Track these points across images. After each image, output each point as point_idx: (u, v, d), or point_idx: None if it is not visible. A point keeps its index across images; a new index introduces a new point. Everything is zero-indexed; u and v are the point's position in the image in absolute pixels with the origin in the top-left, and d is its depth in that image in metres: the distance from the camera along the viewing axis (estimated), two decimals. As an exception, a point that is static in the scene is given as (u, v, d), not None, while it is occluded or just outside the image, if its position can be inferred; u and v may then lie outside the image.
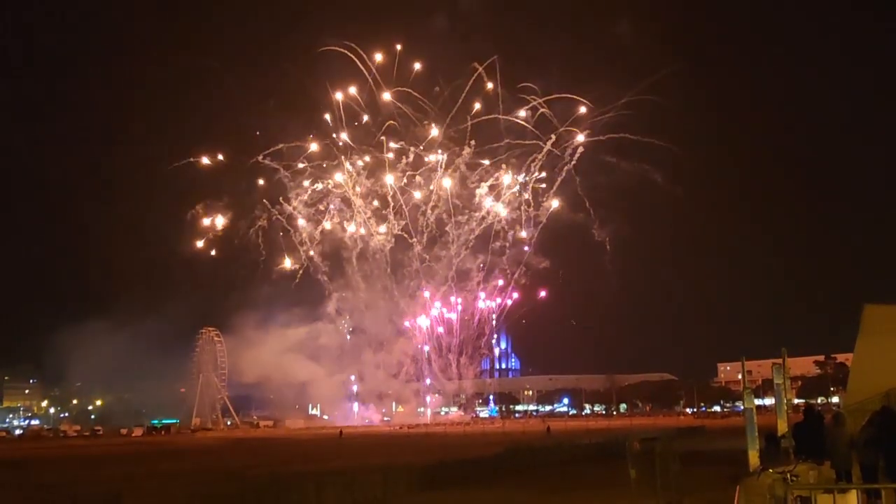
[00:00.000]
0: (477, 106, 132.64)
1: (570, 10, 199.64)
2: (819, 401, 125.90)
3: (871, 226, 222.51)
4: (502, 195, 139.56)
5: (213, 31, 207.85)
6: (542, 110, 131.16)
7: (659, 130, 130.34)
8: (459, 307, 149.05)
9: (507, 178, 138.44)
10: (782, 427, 16.22)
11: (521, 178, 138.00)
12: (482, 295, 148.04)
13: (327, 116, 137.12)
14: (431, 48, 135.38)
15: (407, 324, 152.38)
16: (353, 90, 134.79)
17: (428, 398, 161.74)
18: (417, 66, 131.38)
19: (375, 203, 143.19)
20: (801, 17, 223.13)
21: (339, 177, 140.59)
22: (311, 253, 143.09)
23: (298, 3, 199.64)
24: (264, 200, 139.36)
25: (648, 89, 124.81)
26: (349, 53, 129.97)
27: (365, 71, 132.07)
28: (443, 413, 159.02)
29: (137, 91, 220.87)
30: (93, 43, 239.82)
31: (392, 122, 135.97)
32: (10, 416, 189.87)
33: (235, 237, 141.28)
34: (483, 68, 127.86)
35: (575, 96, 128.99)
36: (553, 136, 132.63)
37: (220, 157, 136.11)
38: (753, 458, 15.01)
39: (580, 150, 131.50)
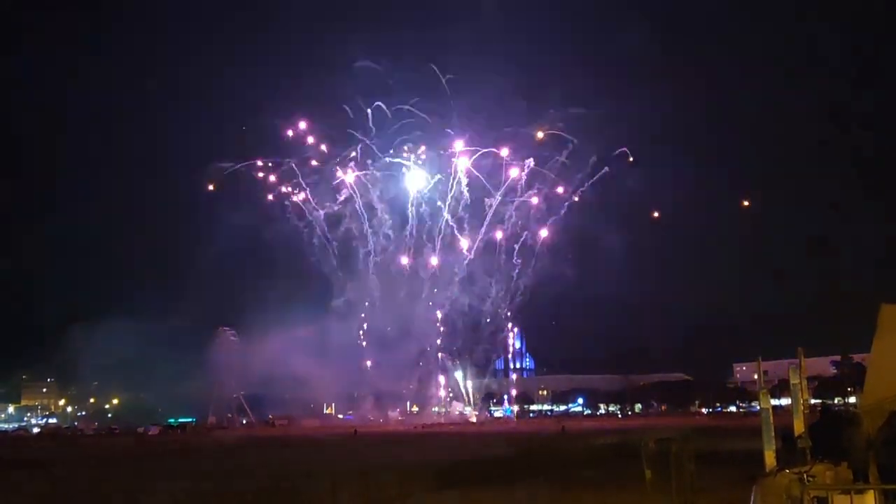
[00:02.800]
0: (498, 116, 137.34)
1: (587, 24, 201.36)
2: (836, 401, 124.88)
3: (887, 223, 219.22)
4: (516, 200, 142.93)
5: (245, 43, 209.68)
6: (559, 123, 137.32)
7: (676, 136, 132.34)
8: (467, 307, 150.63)
9: (521, 184, 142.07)
10: (799, 427, 16.15)
11: (536, 185, 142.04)
12: (493, 294, 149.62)
13: (352, 125, 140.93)
14: (456, 61, 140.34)
15: (419, 323, 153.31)
16: (378, 102, 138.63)
17: (442, 396, 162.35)
18: (443, 79, 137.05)
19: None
20: (814, 16, 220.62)
21: (353, 175, 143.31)
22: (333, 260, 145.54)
23: (329, 17, 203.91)
24: (285, 203, 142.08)
25: (665, 100, 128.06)
26: (377, 67, 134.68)
27: (391, 83, 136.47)
28: (457, 413, 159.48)
29: (159, 92, 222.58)
30: (121, 49, 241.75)
31: (418, 132, 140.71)
32: (28, 414, 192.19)
33: (255, 237, 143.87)
34: (504, 81, 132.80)
35: (587, 109, 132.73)
36: (570, 146, 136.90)
37: (240, 164, 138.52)
38: (770, 458, 14.95)
39: (593, 158, 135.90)
